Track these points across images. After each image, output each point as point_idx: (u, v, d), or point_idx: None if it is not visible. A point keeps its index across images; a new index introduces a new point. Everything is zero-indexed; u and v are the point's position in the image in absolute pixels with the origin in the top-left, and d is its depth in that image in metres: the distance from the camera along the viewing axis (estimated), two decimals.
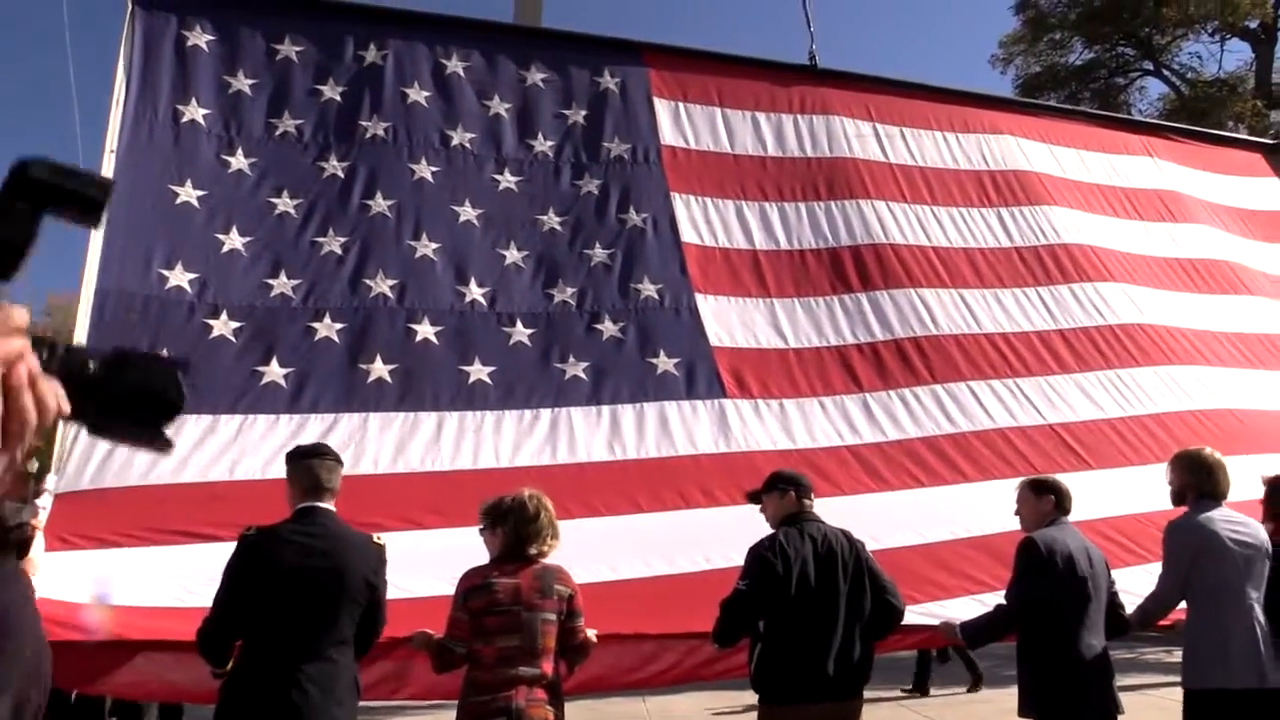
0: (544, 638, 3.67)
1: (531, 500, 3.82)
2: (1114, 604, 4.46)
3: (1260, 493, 4.76)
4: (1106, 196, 8.15)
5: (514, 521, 3.77)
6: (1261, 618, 4.19)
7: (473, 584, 3.70)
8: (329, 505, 3.66)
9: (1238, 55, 23.19)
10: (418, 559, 4.33)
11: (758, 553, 4.05)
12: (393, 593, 4.25)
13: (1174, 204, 8.39)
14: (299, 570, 3.45)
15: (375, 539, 3.72)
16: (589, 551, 4.65)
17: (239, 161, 5.77)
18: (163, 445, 0.85)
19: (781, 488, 4.30)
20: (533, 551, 3.76)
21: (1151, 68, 22.81)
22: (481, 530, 3.93)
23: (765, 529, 4.25)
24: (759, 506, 4.37)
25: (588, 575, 4.56)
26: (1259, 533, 4.33)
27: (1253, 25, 21.12)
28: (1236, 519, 4.33)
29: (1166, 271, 7.79)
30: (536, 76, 6.80)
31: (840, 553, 4.08)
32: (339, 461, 3.77)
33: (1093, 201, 8.03)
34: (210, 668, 3.54)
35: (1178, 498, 4.50)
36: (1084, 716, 4.20)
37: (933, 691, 9.73)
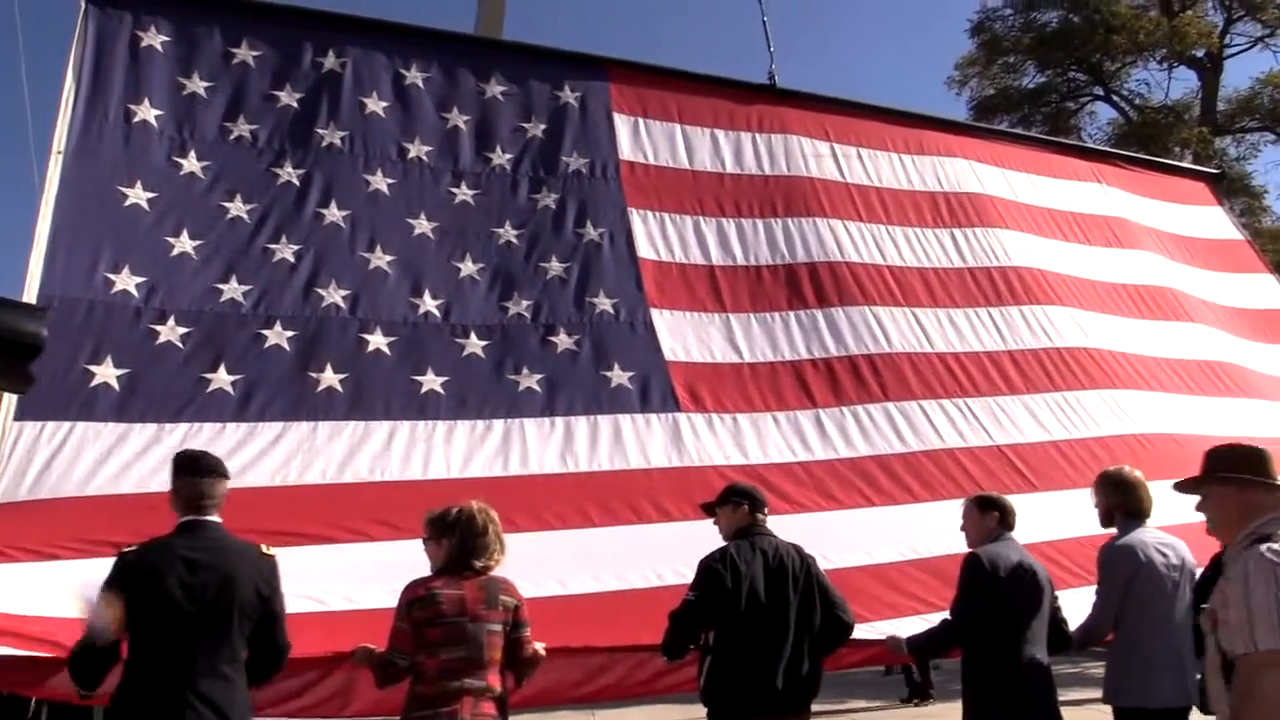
0: (490, 649, 3.63)
1: (480, 513, 3.79)
2: (1056, 619, 4.52)
3: (1195, 517, 4.90)
4: (1056, 221, 8.33)
5: (461, 534, 3.73)
6: (1186, 637, 4.27)
7: (416, 595, 3.64)
8: (214, 518, 3.52)
9: (1184, 83, 23.93)
10: (363, 572, 4.29)
11: (708, 565, 4.06)
12: (341, 605, 4.21)
13: (1121, 230, 8.59)
14: (185, 586, 3.29)
15: (264, 550, 3.59)
16: (539, 566, 4.63)
17: (191, 164, 5.67)
18: (23, 384, 0.83)
19: (735, 500, 4.32)
20: (479, 565, 3.72)
21: (1102, 93, 23.36)
22: (426, 540, 3.87)
23: (717, 544, 4.26)
24: (713, 519, 4.39)
25: (537, 590, 4.54)
26: (1185, 553, 4.43)
27: (1199, 54, 21.66)
28: (1165, 539, 4.42)
29: (1112, 297, 7.97)
30: (496, 89, 6.79)
31: (791, 567, 4.10)
32: (224, 474, 3.61)
33: (1043, 225, 8.20)
34: (78, 689, 3.36)
35: (1106, 519, 4.57)
36: None
37: (882, 705, 9.82)
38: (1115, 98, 23.17)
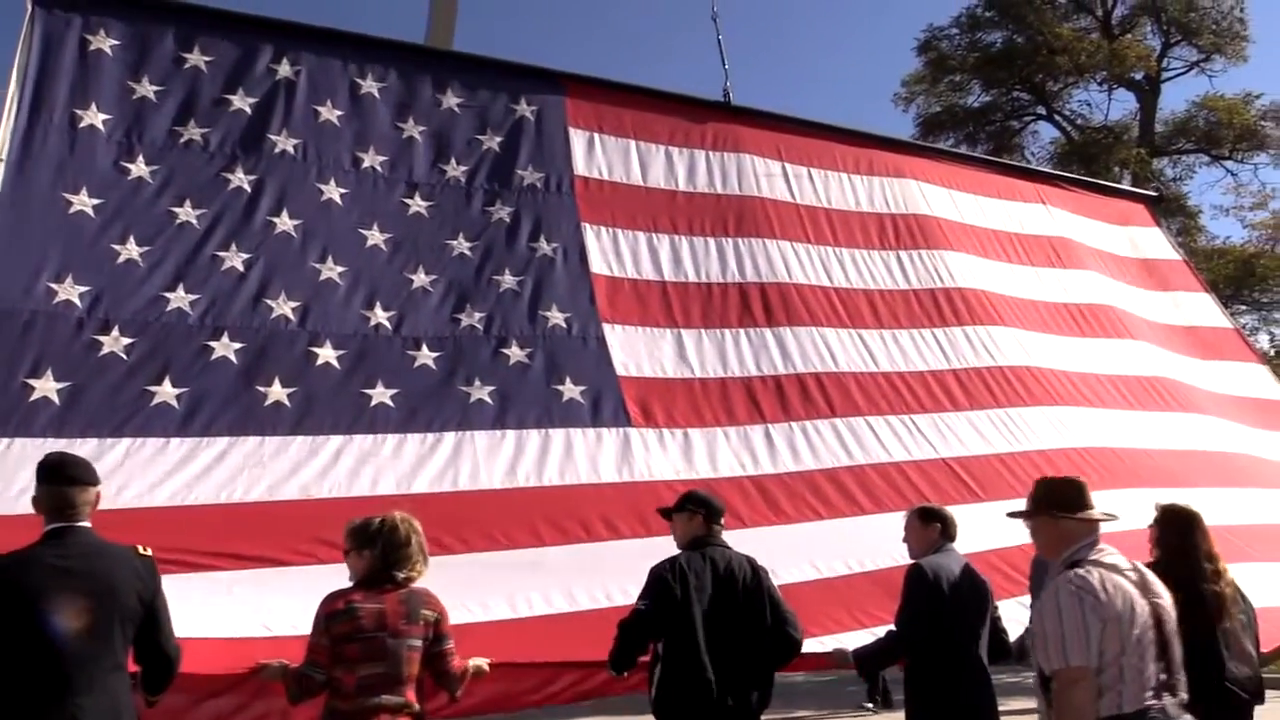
0: (409, 665, 3.59)
1: (403, 524, 3.74)
2: (996, 629, 4.64)
3: (1134, 524, 5.04)
4: (1001, 242, 8.54)
5: (383, 545, 3.67)
6: None
7: (335, 609, 3.57)
8: (84, 523, 3.31)
9: (1124, 105, 24.55)
10: (311, 599, 4.20)
11: (658, 574, 4.08)
12: (287, 630, 4.11)
13: (1064, 250, 8.83)
14: (56, 596, 3.10)
15: (141, 549, 3.40)
16: (490, 587, 4.63)
17: (139, 169, 5.57)
18: None
19: (691, 509, 4.34)
20: (400, 576, 3.67)
21: (1044, 113, 23.87)
22: (346, 552, 3.79)
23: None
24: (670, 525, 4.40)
25: (485, 614, 4.54)
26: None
27: (1138, 77, 22.31)
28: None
29: (1054, 316, 8.19)
30: (453, 100, 6.79)
31: (742, 579, 4.13)
32: (90, 481, 3.41)
33: (988, 247, 8.40)
34: None
35: None
36: None
37: (829, 712, 9.93)
38: (1057, 117, 23.73)
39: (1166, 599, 3.27)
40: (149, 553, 3.40)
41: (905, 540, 4.76)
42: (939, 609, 4.36)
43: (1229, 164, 22.44)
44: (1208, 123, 21.88)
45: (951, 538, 4.70)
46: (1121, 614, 3.03)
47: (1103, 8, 22.97)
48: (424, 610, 3.66)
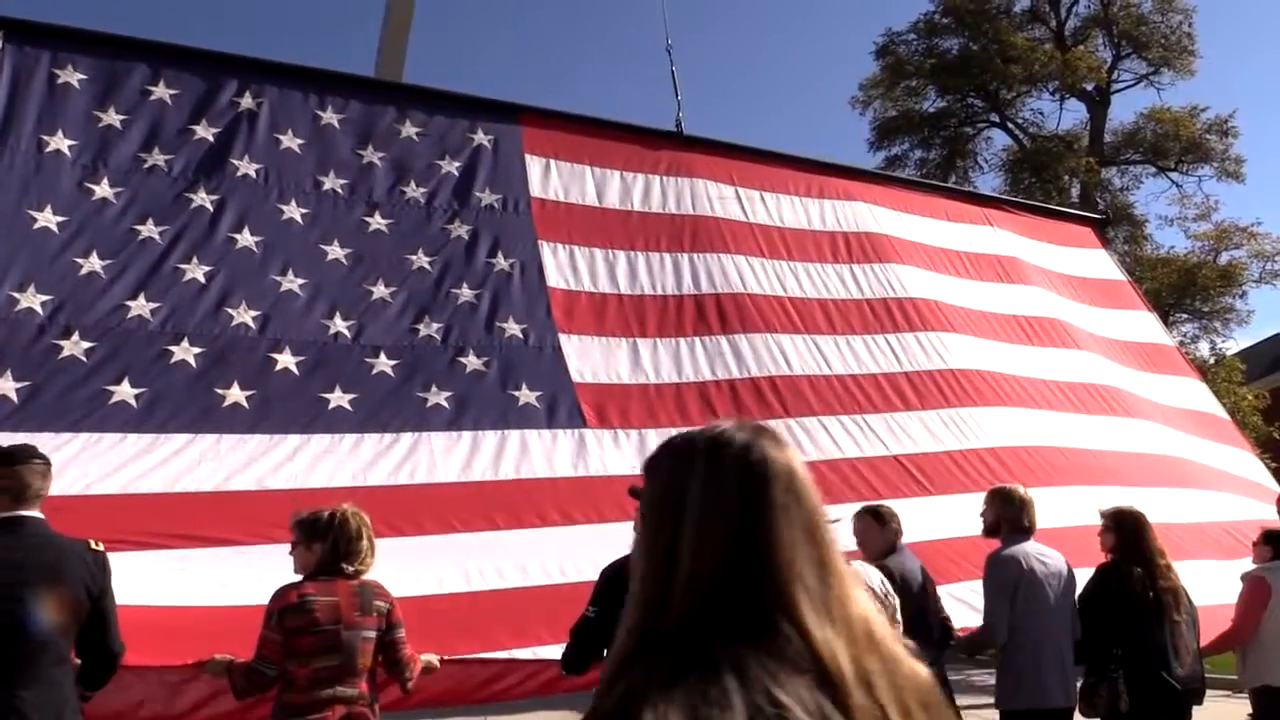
0: (362, 656, 3.59)
1: (354, 517, 3.76)
2: (941, 618, 4.75)
3: (1079, 520, 5.21)
4: (949, 258, 8.81)
5: (334, 538, 3.68)
6: (1067, 641, 4.55)
7: (288, 602, 3.56)
8: (36, 513, 3.32)
9: (1075, 114, 25.07)
10: (273, 573, 4.27)
11: (608, 575, 4.00)
12: (244, 600, 4.14)
13: (1010, 267, 9.11)
14: (3, 586, 3.09)
15: (93, 544, 3.39)
16: (442, 563, 4.70)
17: (104, 190, 5.77)
18: None
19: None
20: (351, 569, 3.68)
21: (997, 120, 24.24)
22: (294, 545, 3.78)
23: (623, 545, 4.30)
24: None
25: (440, 586, 4.60)
26: (1062, 564, 4.69)
27: (1089, 88, 22.84)
28: (1044, 551, 4.68)
29: (1003, 326, 8.42)
30: (411, 130, 7.05)
31: None
32: (48, 465, 3.44)
33: (937, 262, 8.66)
34: None
35: (992, 530, 4.80)
36: None
37: None
38: (1010, 125, 24.15)
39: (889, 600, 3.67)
40: (101, 548, 3.42)
41: (861, 544, 4.65)
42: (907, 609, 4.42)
43: (1174, 175, 22.82)
44: (1155, 135, 22.30)
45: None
46: None
47: (1056, 19, 23.58)
48: (377, 602, 3.67)
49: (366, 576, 3.74)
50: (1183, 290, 19.74)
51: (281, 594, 3.60)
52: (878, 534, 4.68)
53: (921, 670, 1.04)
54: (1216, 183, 22.95)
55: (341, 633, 3.55)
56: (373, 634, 3.64)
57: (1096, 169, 21.27)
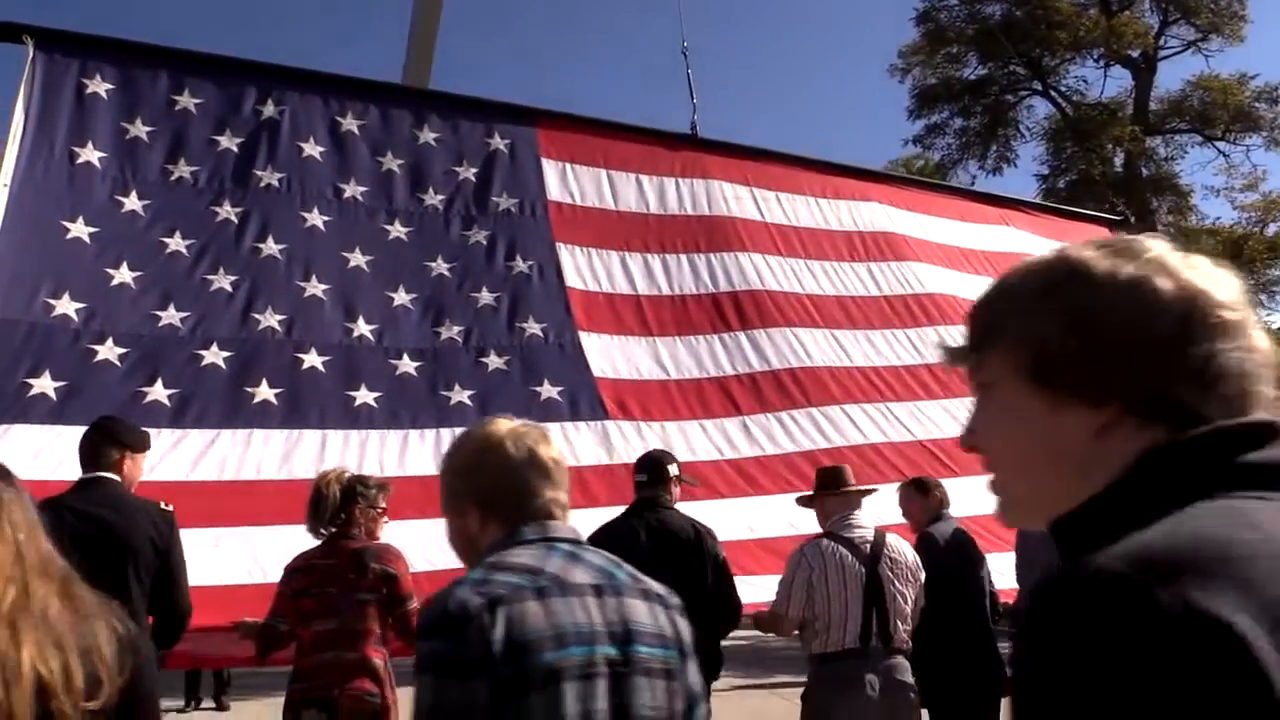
0: (362, 620, 3.58)
1: (336, 481, 3.83)
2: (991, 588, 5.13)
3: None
4: (966, 257, 8.83)
5: (317, 505, 3.77)
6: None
7: (296, 565, 3.70)
8: (113, 475, 3.60)
9: (1119, 82, 24.19)
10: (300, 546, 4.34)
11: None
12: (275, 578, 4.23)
13: None
14: (78, 538, 3.18)
15: (163, 505, 3.61)
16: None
17: (132, 203, 5.91)
18: None
19: (638, 473, 4.35)
20: (354, 532, 3.75)
21: (1040, 88, 23.53)
22: (309, 528, 3.87)
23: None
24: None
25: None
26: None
27: (1135, 55, 22.18)
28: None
29: None
30: (429, 135, 7.16)
31: (682, 540, 4.01)
32: (129, 444, 3.76)
33: (954, 260, 8.69)
34: None
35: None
36: None
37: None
38: (1053, 93, 23.44)
39: (899, 564, 4.11)
40: (170, 508, 3.63)
41: (907, 513, 5.10)
42: (940, 571, 4.55)
43: (1221, 145, 22.10)
44: (1202, 103, 21.62)
45: (947, 505, 5.05)
46: (829, 576, 4.00)
47: None
48: (374, 564, 3.65)
49: (380, 542, 3.82)
50: (1229, 262, 19.43)
51: (296, 558, 3.76)
52: (921, 504, 5.01)
53: None
54: (1265, 152, 22.39)
55: (336, 596, 3.59)
56: (369, 596, 3.62)
57: (1141, 138, 20.69)
